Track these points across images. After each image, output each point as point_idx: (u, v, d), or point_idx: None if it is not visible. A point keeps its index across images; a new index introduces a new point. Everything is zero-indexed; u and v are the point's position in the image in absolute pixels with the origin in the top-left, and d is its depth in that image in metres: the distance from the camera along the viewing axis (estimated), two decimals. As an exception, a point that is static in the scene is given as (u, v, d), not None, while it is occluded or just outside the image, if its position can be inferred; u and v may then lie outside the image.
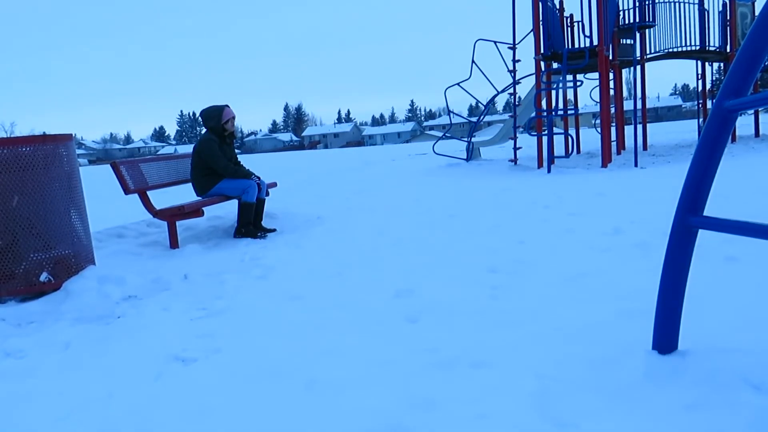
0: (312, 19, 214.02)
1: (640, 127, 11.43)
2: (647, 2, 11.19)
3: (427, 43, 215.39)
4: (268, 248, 4.76)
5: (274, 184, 6.22)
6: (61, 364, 2.53)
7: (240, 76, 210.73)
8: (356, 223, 5.75)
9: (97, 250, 4.43)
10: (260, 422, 1.88)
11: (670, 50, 11.89)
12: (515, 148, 11.61)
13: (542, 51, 10.02)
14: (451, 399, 1.91)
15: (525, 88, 16.63)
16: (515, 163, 11.30)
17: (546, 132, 9.83)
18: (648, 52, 12.11)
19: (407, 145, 52.52)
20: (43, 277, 3.50)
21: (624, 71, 13.35)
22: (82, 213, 3.80)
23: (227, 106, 5.56)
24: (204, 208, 5.16)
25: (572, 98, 15.64)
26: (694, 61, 13.46)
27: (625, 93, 16.30)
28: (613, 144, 11.34)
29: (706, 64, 14.17)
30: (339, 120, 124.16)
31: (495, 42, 11.46)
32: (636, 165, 9.42)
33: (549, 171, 9.65)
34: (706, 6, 12.10)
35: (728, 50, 12.38)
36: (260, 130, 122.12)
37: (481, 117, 14.30)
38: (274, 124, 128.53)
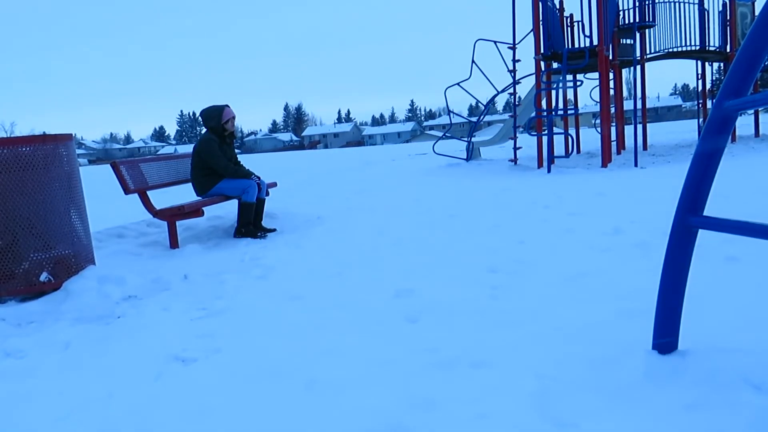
0: (312, 19, 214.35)
1: (640, 127, 11.43)
2: (647, 2, 11.19)
3: (427, 43, 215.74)
4: (268, 248, 4.76)
5: (274, 184, 6.22)
6: (61, 364, 2.53)
7: (240, 76, 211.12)
8: (356, 223, 5.75)
9: (97, 250, 4.43)
10: (260, 422, 1.88)
11: (670, 50, 11.90)
12: (515, 148, 11.61)
13: (542, 51, 10.02)
14: (451, 399, 1.91)
15: (525, 88, 16.69)
16: (515, 163, 11.30)
17: (546, 132, 9.83)
18: (648, 52, 12.12)
19: (407, 145, 52.53)
20: (43, 277, 3.50)
21: (624, 71, 13.36)
22: (82, 213, 3.80)
23: (227, 106, 5.56)
24: (204, 208, 5.16)
25: (572, 98, 15.68)
26: (694, 61, 13.46)
27: (625, 93, 16.32)
28: (613, 144, 11.34)
29: (706, 64, 14.17)
30: (339, 120, 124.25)
31: (495, 42, 11.46)
32: (636, 165, 9.42)
33: (549, 171, 9.65)
34: (706, 6, 12.10)
35: (728, 50, 12.38)
36: (260, 130, 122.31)
37: (481, 117, 14.30)
38: (274, 124, 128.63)
